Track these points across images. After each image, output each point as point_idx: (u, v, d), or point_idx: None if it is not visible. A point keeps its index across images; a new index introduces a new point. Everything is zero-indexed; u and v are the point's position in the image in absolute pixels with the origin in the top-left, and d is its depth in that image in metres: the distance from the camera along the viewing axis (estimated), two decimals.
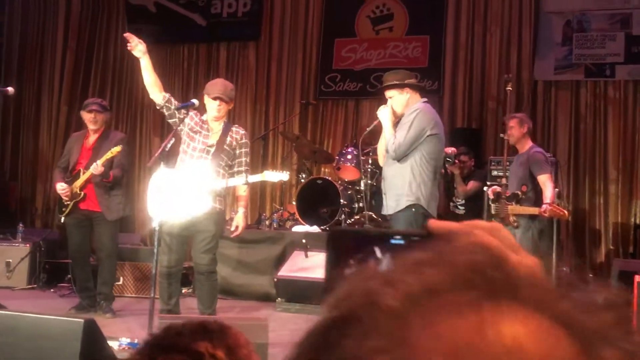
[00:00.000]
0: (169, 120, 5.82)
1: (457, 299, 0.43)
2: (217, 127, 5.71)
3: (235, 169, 5.71)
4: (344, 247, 0.71)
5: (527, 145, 6.70)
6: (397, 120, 5.50)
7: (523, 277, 0.46)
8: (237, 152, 5.71)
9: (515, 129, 6.66)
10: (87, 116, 6.77)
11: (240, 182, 5.58)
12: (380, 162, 5.80)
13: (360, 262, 0.69)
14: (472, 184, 8.27)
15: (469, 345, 0.41)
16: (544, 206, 6.04)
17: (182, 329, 1.31)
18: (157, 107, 5.86)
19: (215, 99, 5.60)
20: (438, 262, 0.46)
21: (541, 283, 0.47)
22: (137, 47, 5.69)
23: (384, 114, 5.52)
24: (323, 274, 0.75)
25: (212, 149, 5.60)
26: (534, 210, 6.10)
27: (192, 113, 5.73)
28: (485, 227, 0.56)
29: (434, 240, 0.52)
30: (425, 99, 5.63)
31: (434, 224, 0.60)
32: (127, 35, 5.79)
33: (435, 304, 0.43)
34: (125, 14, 11.38)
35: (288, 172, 5.90)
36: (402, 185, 5.29)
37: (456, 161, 7.92)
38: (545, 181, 6.43)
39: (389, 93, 5.55)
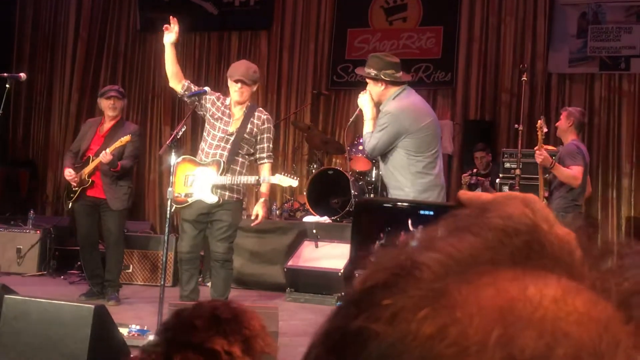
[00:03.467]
0: (192, 107, 5.75)
1: (497, 263, 0.43)
2: (239, 113, 5.58)
3: (257, 156, 5.63)
4: (372, 218, 0.69)
5: (570, 139, 6.55)
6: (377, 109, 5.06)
7: (558, 247, 0.46)
8: (259, 137, 5.60)
9: (562, 122, 6.56)
10: (105, 103, 6.73)
11: (252, 181, 5.52)
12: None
13: (389, 233, 0.66)
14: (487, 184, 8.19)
15: (512, 300, 0.40)
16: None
17: (196, 322, 1.28)
18: (178, 96, 5.82)
19: (236, 81, 5.47)
20: (476, 228, 0.45)
21: (577, 253, 0.46)
22: (172, 34, 5.59)
23: (364, 101, 5.04)
24: (350, 244, 0.72)
25: (232, 137, 5.51)
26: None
27: (213, 97, 5.62)
28: (519, 197, 0.54)
29: (466, 211, 0.50)
30: (404, 87, 5.01)
31: (465, 195, 0.59)
32: (172, 19, 5.69)
33: (474, 267, 0.43)
34: (137, 2, 11.36)
35: (297, 178, 5.72)
36: (395, 185, 4.97)
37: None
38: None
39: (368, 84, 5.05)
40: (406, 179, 4.91)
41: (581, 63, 9.31)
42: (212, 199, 5.41)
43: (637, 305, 0.42)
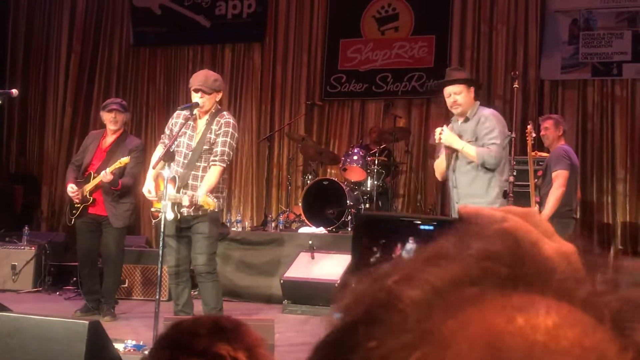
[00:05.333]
0: (185, 121, 5.62)
1: (482, 290, 0.41)
2: (202, 125, 5.46)
3: (211, 160, 5.38)
4: (372, 233, 0.69)
5: (558, 144, 6.52)
6: (463, 119, 5.24)
7: (552, 264, 0.43)
8: (216, 141, 5.39)
9: (551, 130, 6.54)
10: (107, 116, 6.68)
11: (185, 202, 5.14)
12: (439, 177, 5.58)
13: (387, 249, 0.66)
14: None
15: (501, 334, 0.38)
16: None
17: (197, 329, 1.28)
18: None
19: (195, 90, 5.39)
20: (457, 253, 0.44)
21: (573, 270, 0.44)
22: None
23: (449, 138, 5.16)
24: (351, 262, 0.72)
25: (190, 153, 5.40)
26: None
27: (183, 113, 5.49)
28: (518, 212, 0.53)
29: (463, 227, 0.49)
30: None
31: (464, 209, 0.57)
32: None
33: (459, 297, 0.41)
34: (130, 16, 11.37)
35: (216, 202, 5.25)
36: (484, 194, 5.10)
37: None
38: (555, 177, 6.27)
39: (455, 89, 5.18)
40: (498, 189, 5.11)
41: (573, 69, 9.34)
42: (170, 216, 5.19)
43: (632, 327, 0.40)
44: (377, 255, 0.68)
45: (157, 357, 1.28)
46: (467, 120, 5.23)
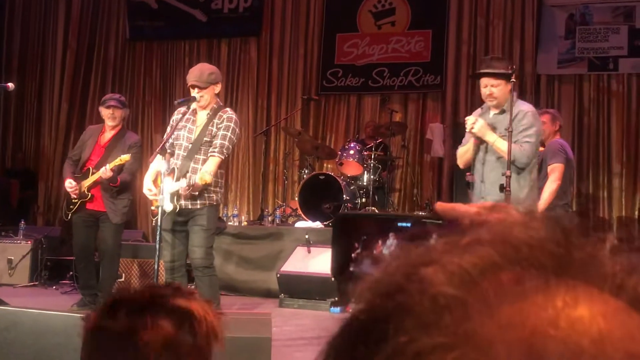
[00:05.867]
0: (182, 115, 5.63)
1: (518, 279, 0.39)
2: (202, 119, 5.45)
3: (209, 152, 5.34)
4: (351, 232, 0.71)
5: (554, 138, 6.49)
6: (499, 110, 5.03)
7: (598, 254, 0.42)
8: (217, 134, 5.36)
9: (547, 125, 6.48)
10: (105, 112, 6.67)
11: (183, 184, 5.13)
12: (461, 165, 5.38)
13: (367, 246, 0.67)
14: None
15: (544, 339, 0.36)
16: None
17: (159, 291, 1.26)
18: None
19: (191, 87, 5.37)
20: (490, 239, 0.41)
21: (618, 263, 0.42)
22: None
23: (482, 129, 4.92)
24: (330, 259, 0.75)
25: (190, 145, 5.37)
26: None
27: (183, 108, 5.51)
28: (488, 207, 0.53)
29: (445, 223, 0.49)
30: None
31: (441, 206, 0.57)
32: None
33: (494, 286, 0.39)
34: (127, 10, 11.35)
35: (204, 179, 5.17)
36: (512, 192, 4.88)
37: None
38: (551, 171, 6.24)
39: (492, 81, 4.97)
40: (529, 189, 4.99)
41: (570, 64, 9.35)
42: (168, 207, 5.20)
43: None
44: (358, 251, 0.70)
45: (111, 326, 1.25)
46: (502, 112, 5.03)
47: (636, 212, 8.95)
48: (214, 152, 5.33)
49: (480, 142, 5.05)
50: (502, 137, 4.90)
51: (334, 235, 0.77)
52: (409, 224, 0.70)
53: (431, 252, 0.42)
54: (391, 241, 0.68)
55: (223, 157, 5.40)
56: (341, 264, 0.73)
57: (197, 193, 5.32)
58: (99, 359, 1.24)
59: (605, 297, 0.39)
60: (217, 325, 1.24)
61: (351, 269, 0.72)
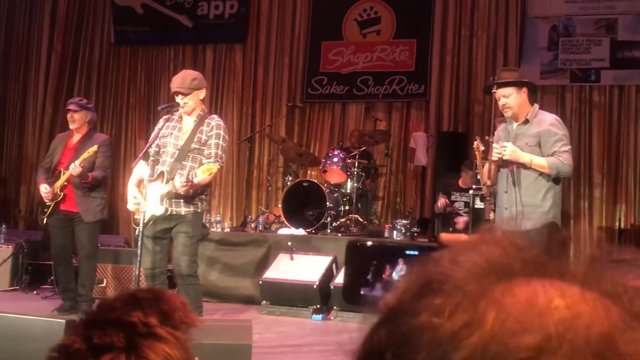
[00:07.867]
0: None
1: (509, 273, 0.52)
2: (189, 125, 5.44)
3: (204, 161, 5.32)
4: (362, 257, 0.78)
5: None
6: (522, 121, 5.01)
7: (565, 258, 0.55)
8: (207, 143, 5.37)
9: None
10: (67, 116, 6.77)
11: (177, 181, 5.13)
12: (490, 183, 5.18)
13: (378, 271, 0.78)
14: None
15: (523, 313, 0.49)
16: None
17: (114, 304, 1.30)
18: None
19: (175, 94, 5.36)
20: (489, 242, 0.55)
21: (586, 262, 0.55)
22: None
23: (514, 154, 4.86)
24: (343, 281, 0.84)
25: (177, 151, 5.36)
26: None
27: (168, 116, 5.49)
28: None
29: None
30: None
31: (445, 237, 0.68)
32: None
33: (491, 278, 0.52)
34: (112, 14, 11.33)
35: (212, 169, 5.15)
36: (539, 203, 4.89)
37: (449, 210, 7.90)
38: None
39: (503, 91, 5.00)
40: (553, 202, 4.93)
41: (552, 75, 9.43)
42: (159, 210, 5.21)
43: None
44: (369, 276, 0.79)
45: (70, 338, 1.29)
46: (526, 122, 5.01)
47: (617, 223, 9.02)
48: (210, 162, 5.26)
49: (498, 169, 5.00)
50: (530, 148, 4.89)
51: (346, 260, 0.86)
52: (416, 252, 0.80)
53: (449, 252, 0.56)
54: (400, 267, 0.77)
55: (220, 166, 5.38)
56: (353, 287, 0.85)
57: (182, 200, 5.32)
58: None
59: (578, 289, 0.51)
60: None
61: (362, 292, 0.86)
